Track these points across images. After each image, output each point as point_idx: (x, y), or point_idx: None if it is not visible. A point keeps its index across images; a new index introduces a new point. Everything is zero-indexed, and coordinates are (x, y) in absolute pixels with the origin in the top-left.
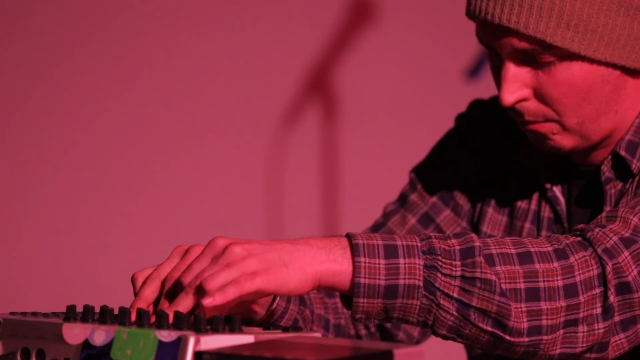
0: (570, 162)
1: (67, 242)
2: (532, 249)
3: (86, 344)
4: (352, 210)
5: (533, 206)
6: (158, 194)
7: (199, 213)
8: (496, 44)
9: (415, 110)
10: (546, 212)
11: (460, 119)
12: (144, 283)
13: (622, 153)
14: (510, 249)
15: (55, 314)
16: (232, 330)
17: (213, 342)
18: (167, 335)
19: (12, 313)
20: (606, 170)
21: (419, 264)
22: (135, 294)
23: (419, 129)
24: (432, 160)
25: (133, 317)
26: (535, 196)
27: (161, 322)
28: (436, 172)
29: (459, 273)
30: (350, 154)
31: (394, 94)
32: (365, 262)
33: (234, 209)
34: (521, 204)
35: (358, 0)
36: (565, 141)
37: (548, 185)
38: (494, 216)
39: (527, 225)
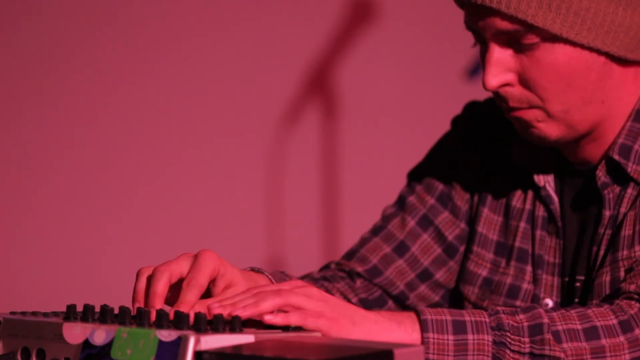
0: (563, 161)
1: (67, 242)
2: (598, 323)
3: (86, 343)
4: (353, 210)
5: (528, 205)
6: (158, 194)
7: (199, 213)
8: (480, 25)
9: (415, 110)
10: (540, 211)
11: (456, 121)
12: (154, 280)
13: (616, 157)
14: (576, 324)
15: (55, 314)
16: (232, 330)
17: (213, 341)
18: (167, 335)
19: (12, 313)
20: (601, 176)
21: (488, 341)
22: (136, 290)
23: (419, 129)
24: (430, 163)
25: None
26: (530, 195)
27: (161, 321)
28: (434, 174)
29: (527, 350)
30: (350, 154)
31: (394, 93)
32: (434, 338)
33: (234, 209)
34: (516, 204)
35: (358, 0)
36: (550, 130)
37: (542, 184)
38: (489, 216)
39: (522, 224)
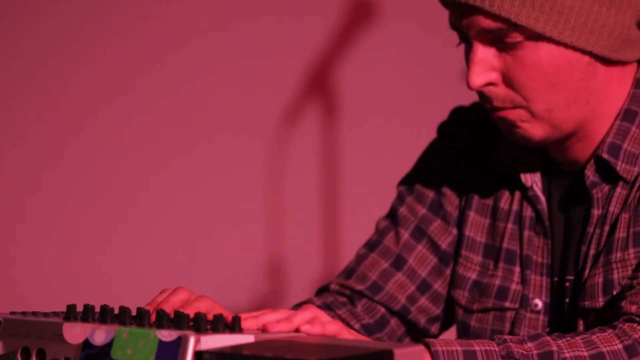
0: (550, 161)
1: (67, 242)
2: (604, 349)
3: (86, 343)
4: (353, 210)
5: (515, 206)
6: (158, 194)
7: (198, 213)
8: (464, 24)
9: (415, 110)
10: (528, 211)
11: (442, 128)
12: (174, 294)
13: (605, 156)
14: (582, 351)
15: (55, 314)
16: (232, 330)
17: (213, 341)
18: (167, 335)
19: (12, 313)
20: (590, 175)
21: None
22: (153, 300)
23: (419, 129)
24: (418, 172)
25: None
26: (517, 196)
27: (161, 321)
28: (423, 183)
29: None
30: (351, 154)
31: (395, 93)
32: None
33: (234, 209)
34: (503, 205)
35: (358, 0)
36: (534, 130)
37: (529, 184)
38: (476, 219)
39: (510, 225)
